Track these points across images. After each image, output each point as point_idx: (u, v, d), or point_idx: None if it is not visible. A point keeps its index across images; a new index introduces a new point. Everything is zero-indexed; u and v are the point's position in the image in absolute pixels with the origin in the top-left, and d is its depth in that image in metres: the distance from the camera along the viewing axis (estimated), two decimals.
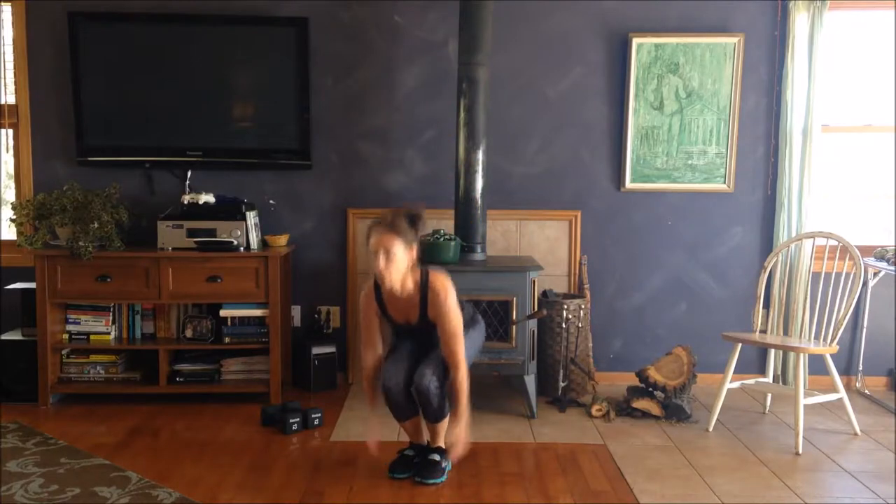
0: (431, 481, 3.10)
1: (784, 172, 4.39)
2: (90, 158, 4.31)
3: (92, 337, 4.17)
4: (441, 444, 3.23)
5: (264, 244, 4.29)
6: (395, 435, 3.44)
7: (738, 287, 4.53)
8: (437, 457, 3.17)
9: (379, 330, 3.23)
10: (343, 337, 4.54)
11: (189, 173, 4.40)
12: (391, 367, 3.15)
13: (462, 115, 4.00)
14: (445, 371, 3.12)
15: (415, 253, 3.06)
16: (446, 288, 3.05)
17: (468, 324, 3.18)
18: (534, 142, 4.49)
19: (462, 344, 3.07)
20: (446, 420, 3.19)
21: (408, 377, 3.12)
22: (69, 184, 4.09)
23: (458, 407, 3.09)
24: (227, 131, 4.36)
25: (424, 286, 3.07)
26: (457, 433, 3.09)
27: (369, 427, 3.31)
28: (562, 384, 4.16)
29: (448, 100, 4.24)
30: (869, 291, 4.44)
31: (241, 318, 4.16)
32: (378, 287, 3.15)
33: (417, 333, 3.18)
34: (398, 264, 2.99)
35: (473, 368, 3.56)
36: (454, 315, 3.05)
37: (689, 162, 4.46)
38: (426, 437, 3.28)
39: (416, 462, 3.20)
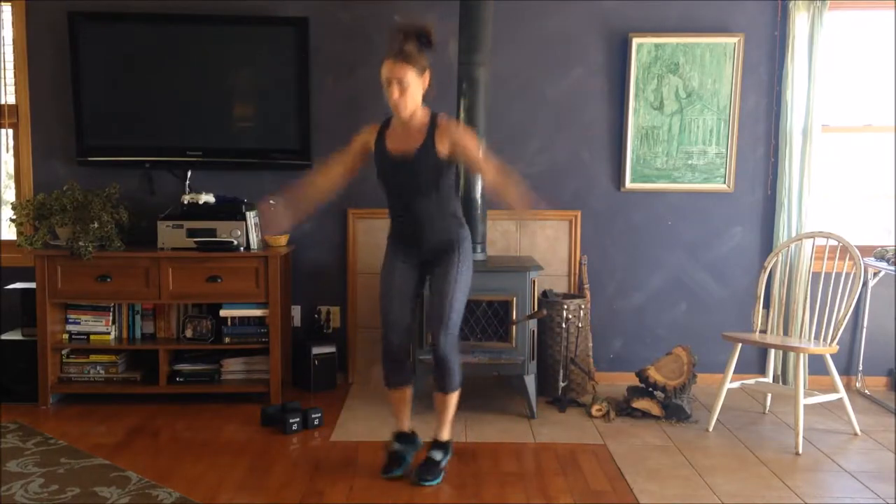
0: (428, 482, 3.09)
1: (784, 172, 4.39)
2: (90, 158, 4.31)
3: (92, 337, 4.17)
4: (446, 435, 3.20)
5: (264, 244, 4.29)
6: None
7: (738, 287, 4.53)
8: (438, 455, 3.16)
9: (348, 165, 3.16)
10: (343, 337, 4.54)
11: (189, 173, 4.40)
12: (390, 314, 3.07)
13: (462, 115, 4.00)
14: (457, 316, 3.03)
15: (427, 78, 3.00)
16: (453, 119, 3.02)
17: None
18: (534, 142, 4.49)
19: (485, 158, 3.03)
20: (457, 393, 3.14)
21: (409, 334, 3.08)
22: (69, 184, 4.09)
23: (507, 184, 2.97)
24: (227, 131, 4.36)
25: (433, 119, 3.03)
26: (516, 196, 2.95)
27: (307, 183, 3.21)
28: (562, 384, 4.16)
29: (448, 100, 4.23)
30: (869, 291, 4.44)
31: (241, 318, 4.15)
32: (383, 128, 3.09)
33: (410, 180, 3.03)
34: (412, 93, 2.95)
35: (472, 369, 3.57)
36: (469, 135, 3.03)
37: (689, 162, 4.46)
38: (408, 422, 3.26)
39: (407, 458, 3.18)
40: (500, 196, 2.99)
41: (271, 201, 4.46)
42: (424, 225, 3.08)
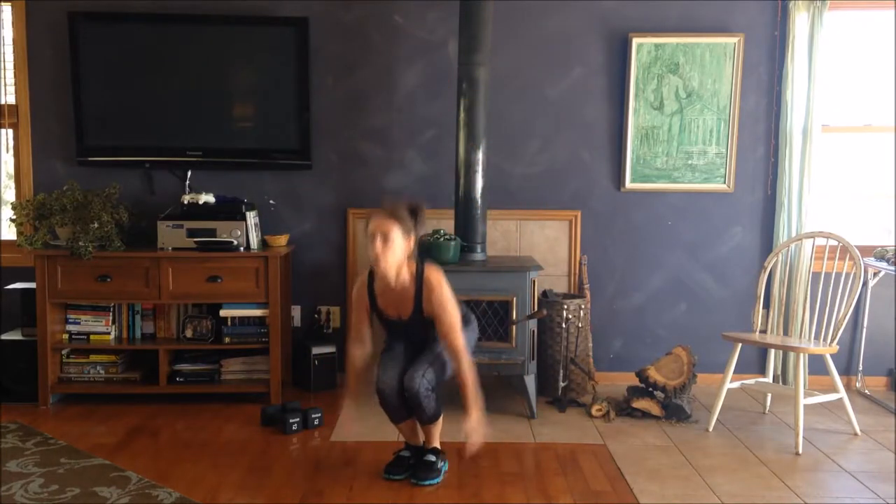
0: (427, 482, 3.10)
1: (784, 172, 4.39)
2: (90, 158, 4.31)
3: (92, 337, 4.17)
4: (436, 444, 3.22)
5: (264, 244, 4.29)
6: (394, 435, 3.43)
7: (738, 287, 4.53)
8: (432, 457, 3.17)
9: (368, 324, 3.20)
10: (343, 337, 4.53)
11: (189, 173, 4.40)
12: (384, 369, 3.13)
13: (462, 115, 4.00)
14: (441, 369, 3.11)
15: (412, 243, 3.04)
16: (441, 282, 3.05)
17: (461, 322, 3.15)
18: (534, 142, 4.49)
19: (461, 335, 3.05)
20: (440, 421, 3.19)
21: (401, 379, 3.11)
22: (69, 184, 4.09)
23: (467, 399, 3.01)
24: (227, 131, 4.36)
25: (419, 278, 3.05)
26: (470, 426, 2.99)
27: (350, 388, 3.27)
28: (562, 384, 4.16)
29: (448, 100, 4.24)
30: (869, 291, 4.44)
31: (241, 318, 4.15)
32: (371, 281, 3.14)
33: (410, 332, 3.16)
34: (395, 250, 2.97)
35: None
36: (451, 307, 3.04)
37: (689, 162, 4.46)
38: (422, 437, 3.28)
39: (412, 463, 3.19)
40: (461, 396, 3.03)
41: (271, 202, 4.50)
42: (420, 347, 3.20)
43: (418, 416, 3.15)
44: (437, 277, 3.05)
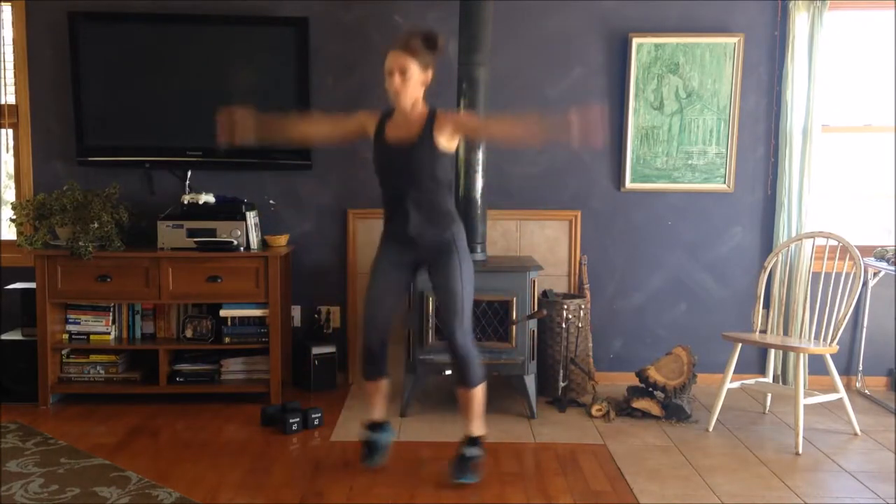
0: (465, 480, 3.05)
1: (784, 172, 4.39)
2: (90, 158, 4.31)
3: (92, 337, 4.17)
4: (475, 430, 3.15)
5: (264, 244, 4.29)
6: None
7: (738, 287, 4.53)
8: (470, 451, 3.11)
9: (345, 126, 3.17)
10: (343, 337, 4.54)
11: (189, 173, 4.40)
12: (374, 309, 3.07)
13: None
14: (469, 308, 3.02)
15: (430, 75, 3.01)
16: (454, 110, 3.02)
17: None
18: None
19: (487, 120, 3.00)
20: (482, 387, 3.10)
21: (389, 328, 3.08)
22: (69, 184, 4.09)
23: (521, 120, 2.98)
24: None
25: (432, 112, 3.03)
26: (549, 125, 2.94)
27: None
28: (562, 384, 4.16)
29: (448, 100, 4.23)
30: (869, 291, 4.44)
31: (241, 318, 4.15)
32: (384, 118, 3.09)
33: (407, 166, 3.01)
34: (413, 84, 2.95)
35: None
36: (467, 113, 3.04)
37: (689, 162, 4.46)
38: (380, 412, 3.25)
39: (383, 444, 3.20)
40: (537, 139, 2.98)
41: (271, 202, 4.49)
42: (419, 220, 3.05)
43: (464, 379, 3.05)
44: (448, 110, 3.03)
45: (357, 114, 3.19)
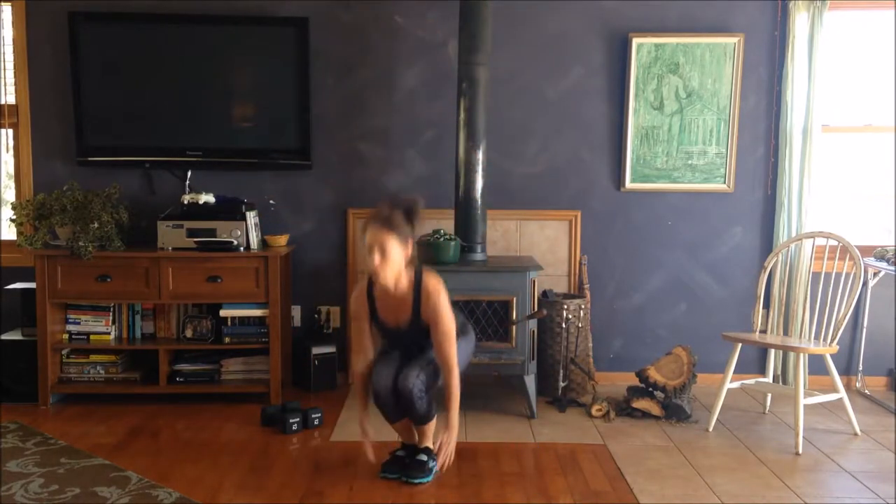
0: (417, 480, 3.10)
1: (784, 172, 4.39)
2: (90, 158, 4.31)
3: (92, 337, 4.17)
4: (429, 444, 3.22)
5: (264, 244, 4.29)
6: (394, 435, 3.44)
7: (738, 287, 4.53)
8: (423, 457, 3.18)
9: (369, 334, 3.21)
10: (343, 337, 4.54)
11: (189, 173, 4.40)
12: (380, 370, 3.14)
13: (462, 115, 4.00)
14: (434, 373, 3.11)
15: (410, 249, 3.04)
16: (439, 288, 3.05)
17: (458, 332, 3.15)
18: (534, 142, 4.49)
19: (455, 346, 3.05)
20: (433, 422, 3.19)
21: (396, 379, 3.11)
22: (69, 184, 4.09)
23: (450, 413, 3.08)
24: (227, 131, 4.36)
25: (418, 285, 3.05)
26: (443, 440, 3.08)
27: (364, 432, 3.22)
28: (562, 384, 4.16)
29: (448, 100, 4.24)
30: (869, 291, 4.44)
31: (241, 318, 4.15)
32: (370, 288, 3.14)
33: (407, 339, 3.17)
34: (393, 261, 2.97)
35: (472, 369, 3.57)
36: (447, 315, 3.04)
37: (689, 162, 4.46)
38: (416, 438, 3.28)
39: (408, 462, 3.20)
40: (445, 407, 3.08)
41: (271, 202, 4.50)
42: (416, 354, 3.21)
43: (411, 417, 3.16)
44: (434, 284, 3.05)
45: (356, 315, 3.21)
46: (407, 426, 3.25)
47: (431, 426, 3.20)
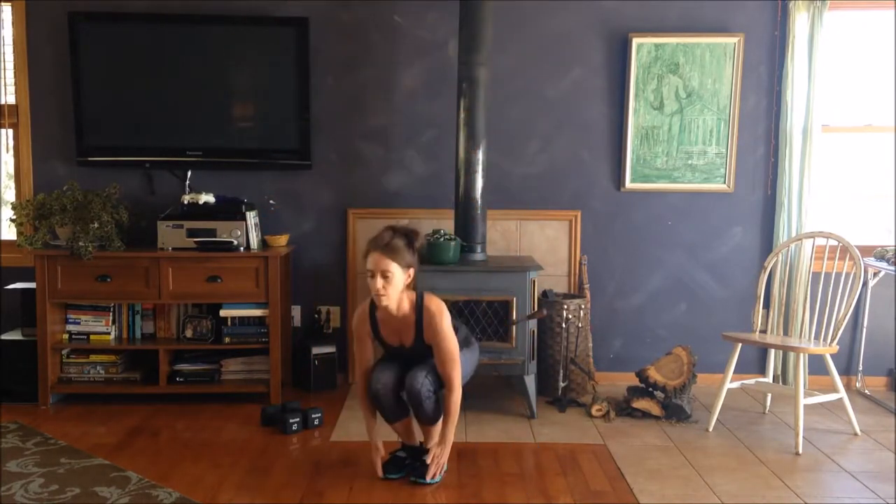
0: (431, 480, 3.11)
1: (784, 172, 4.39)
2: (90, 158, 4.31)
3: (92, 337, 4.17)
4: (432, 444, 3.22)
5: (264, 244, 4.29)
6: (394, 435, 3.44)
7: (738, 287, 4.53)
8: (428, 458, 3.17)
9: (373, 352, 3.22)
10: (343, 337, 4.54)
11: (189, 173, 4.40)
12: (379, 371, 3.15)
13: (462, 115, 4.00)
14: (439, 379, 3.13)
15: (412, 273, 3.06)
16: (441, 310, 3.07)
17: (462, 344, 3.17)
18: (534, 142, 4.49)
19: (458, 368, 3.09)
20: (440, 423, 3.20)
21: (396, 380, 3.13)
22: (69, 184, 4.09)
23: (446, 429, 3.12)
24: (227, 131, 4.36)
25: (420, 308, 3.08)
26: (436, 452, 3.12)
27: (374, 447, 3.21)
28: (562, 384, 4.16)
29: (448, 100, 4.24)
30: (869, 291, 4.44)
31: (241, 318, 4.15)
32: (372, 310, 3.16)
33: (412, 357, 3.17)
34: (395, 285, 3.00)
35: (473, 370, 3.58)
36: (450, 338, 3.07)
37: (689, 162, 4.46)
38: (418, 438, 3.28)
39: (408, 463, 3.20)
40: (442, 423, 3.16)
41: (271, 202, 4.49)
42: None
43: (419, 417, 3.17)
44: (436, 306, 3.08)
45: (358, 336, 3.22)
46: (406, 426, 3.25)
47: (438, 427, 3.21)
